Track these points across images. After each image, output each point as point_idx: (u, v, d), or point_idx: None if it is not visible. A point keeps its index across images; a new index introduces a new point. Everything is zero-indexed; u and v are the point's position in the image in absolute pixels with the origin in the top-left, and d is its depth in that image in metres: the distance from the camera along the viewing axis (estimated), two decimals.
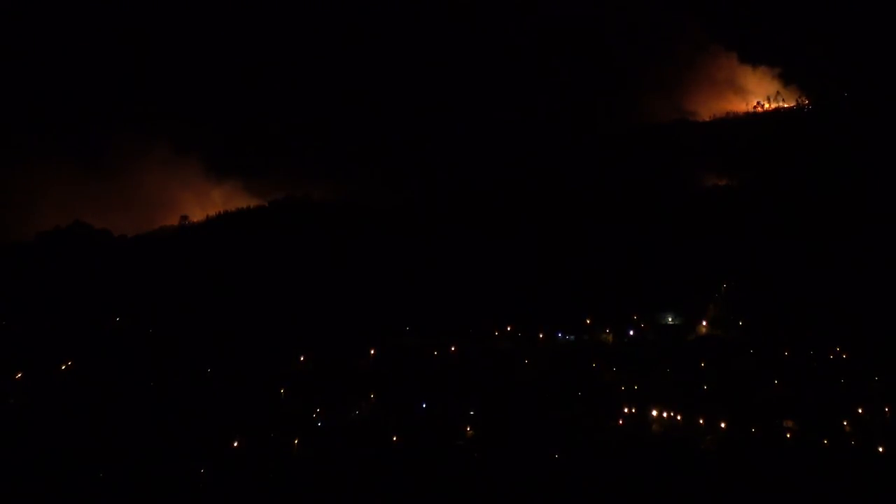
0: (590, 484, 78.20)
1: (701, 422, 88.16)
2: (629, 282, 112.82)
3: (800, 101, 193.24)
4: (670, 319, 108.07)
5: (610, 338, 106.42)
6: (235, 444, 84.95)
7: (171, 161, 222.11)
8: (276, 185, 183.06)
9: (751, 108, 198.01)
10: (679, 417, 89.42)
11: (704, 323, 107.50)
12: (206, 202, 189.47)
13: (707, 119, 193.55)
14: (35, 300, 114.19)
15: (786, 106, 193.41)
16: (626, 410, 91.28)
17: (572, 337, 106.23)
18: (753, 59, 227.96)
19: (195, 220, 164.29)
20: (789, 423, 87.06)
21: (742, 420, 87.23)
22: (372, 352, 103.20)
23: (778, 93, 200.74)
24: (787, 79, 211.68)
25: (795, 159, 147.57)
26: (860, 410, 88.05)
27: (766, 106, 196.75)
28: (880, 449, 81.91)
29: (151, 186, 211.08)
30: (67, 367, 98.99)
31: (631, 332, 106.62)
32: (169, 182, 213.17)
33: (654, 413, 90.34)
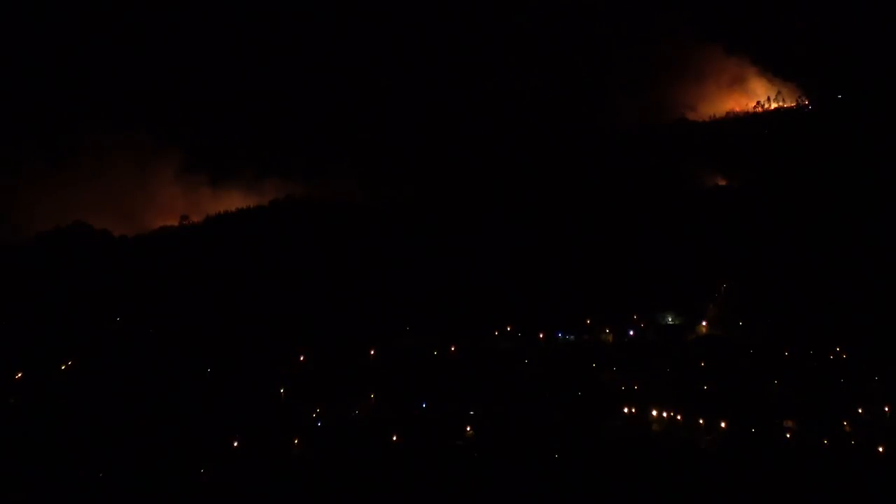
0: (590, 484, 78.21)
1: (701, 422, 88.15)
2: (629, 282, 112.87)
3: (800, 101, 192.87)
4: (670, 319, 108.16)
5: (610, 338, 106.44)
6: (235, 444, 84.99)
7: (171, 161, 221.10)
8: (275, 185, 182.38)
9: (751, 108, 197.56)
10: (679, 417, 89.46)
11: (704, 323, 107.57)
12: (206, 202, 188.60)
13: (707, 119, 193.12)
14: (35, 300, 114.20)
15: (786, 106, 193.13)
16: (626, 410, 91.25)
17: (572, 337, 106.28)
18: (753, 58, 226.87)
19: (195, 220, 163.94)
20: (789, 423, 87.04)
21: (742, 420, 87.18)
22: (372, 352, 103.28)
23: (778, 93, 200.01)
24: (787, 79, 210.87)
25: (795, 159, 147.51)
26: (860, 410, 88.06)
27: (766, 106, 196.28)
28: (880, 449, 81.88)
29: (152, 186, 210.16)
30: (67, 367, 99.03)
31: (631, 332, 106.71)
32: (169, 182, 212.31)
33: (654, 413, 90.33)
